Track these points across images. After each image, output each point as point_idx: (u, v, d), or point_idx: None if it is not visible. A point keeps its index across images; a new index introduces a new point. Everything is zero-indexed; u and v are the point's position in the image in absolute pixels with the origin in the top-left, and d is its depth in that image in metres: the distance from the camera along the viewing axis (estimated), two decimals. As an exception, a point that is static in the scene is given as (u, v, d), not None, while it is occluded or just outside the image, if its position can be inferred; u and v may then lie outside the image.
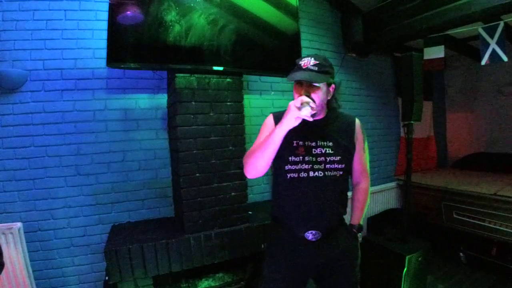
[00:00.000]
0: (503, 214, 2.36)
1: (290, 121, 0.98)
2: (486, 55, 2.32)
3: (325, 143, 1.17)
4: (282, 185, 1.20)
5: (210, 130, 1.86)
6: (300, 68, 1.10)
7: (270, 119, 1.24)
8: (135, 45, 1.62)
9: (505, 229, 2.35)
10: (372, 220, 3.04)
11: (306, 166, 1.14)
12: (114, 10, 1.55)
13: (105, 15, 1.59)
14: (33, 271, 1.80)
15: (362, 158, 1.28)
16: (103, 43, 1.61)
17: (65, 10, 1.88)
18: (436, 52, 2.64)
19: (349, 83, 3.07)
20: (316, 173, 1.15)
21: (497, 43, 2.25)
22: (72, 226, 1.93)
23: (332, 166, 1.16)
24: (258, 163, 1.08)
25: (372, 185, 3.17)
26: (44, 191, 1.86)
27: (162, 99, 2.14)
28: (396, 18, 2.53)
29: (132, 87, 2.06)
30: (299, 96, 1.05)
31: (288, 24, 2.06)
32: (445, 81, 4.16)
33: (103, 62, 1.70)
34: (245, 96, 2.06)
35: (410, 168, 2.19)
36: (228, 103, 1.91)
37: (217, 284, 1.97)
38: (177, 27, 1.68)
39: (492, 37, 2.28)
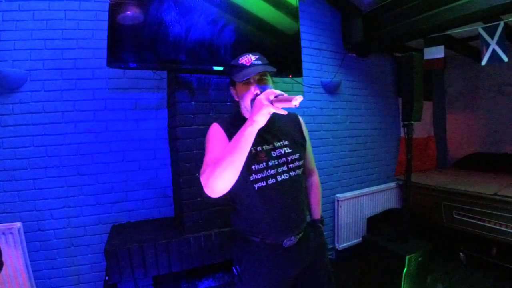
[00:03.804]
0: (503, 214, 2.36)
1: (264, 117, 0.85)
2: (486, 55, 2.32)
3: (281, 143, 1.14)
4: (250, 198, 1.10)
5: (210, 130, 1.86)
6: (244, 66, 1.04)
7: (216, 128, 1.10)
8: (135, 45, 1.62)
9: (505, 229, 2.35)
10: (372, 220, 3.04)
11: (272, 172, 1.09)
12: (114, 10, 1.55)
13: (105, 15, 1.59)
14: (33, 271, 1.80)
15: (310, 152, 1.30)
16: (103, 43, 1.61)
17: (65, 10, 1.88)
18: (436, 52, 2.64)
19: (349, 83, 3.07)
20: (283, 176, 1.10)
21: (497, 43, 2.25)
22: (72, 226, 1.92)
23: (294, 164, 1.14)
24: (228, 175, 0.89)
25: (372, 185, 3.20)
26: (44, 191, 1.86)
27: (162, 99, 2.14)
28: (396, 18, 2.53)
29: (132, 87, 2.06)
30: (252, 95, 0.98)
31: (288, 24, 2.06)
32: (445, 81, 4.16)
33: (103, 62, 1.70)
34: (245, 96, 2.06)
35: (410, 168, 2.18)
36: (228, 103, 1.91)
37: (217, 284, 1.97)
38: (177, 27, 1.68)
39: (492, 37, 2.27)
